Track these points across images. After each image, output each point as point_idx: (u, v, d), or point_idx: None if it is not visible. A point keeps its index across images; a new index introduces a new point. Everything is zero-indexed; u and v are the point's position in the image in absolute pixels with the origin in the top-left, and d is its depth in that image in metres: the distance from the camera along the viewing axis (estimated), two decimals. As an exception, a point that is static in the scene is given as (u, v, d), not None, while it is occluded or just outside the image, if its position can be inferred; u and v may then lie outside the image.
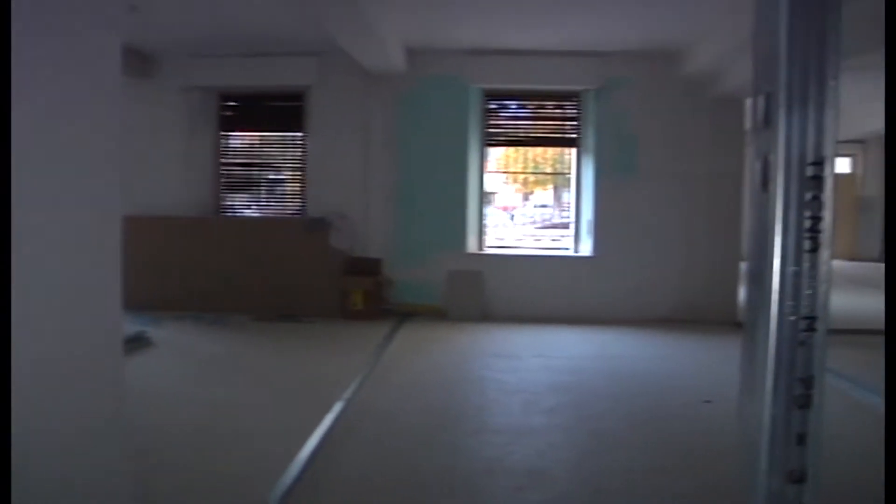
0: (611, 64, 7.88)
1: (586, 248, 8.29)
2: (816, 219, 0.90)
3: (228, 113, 8.55)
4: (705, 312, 7.94)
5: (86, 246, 2.45)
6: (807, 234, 0.90)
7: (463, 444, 4.08)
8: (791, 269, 0.90)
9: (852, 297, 10.57)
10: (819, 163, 0.90)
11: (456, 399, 5.00)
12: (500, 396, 5.04)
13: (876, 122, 11.73)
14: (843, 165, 16.70)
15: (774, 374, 0.93)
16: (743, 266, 8.69)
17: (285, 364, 5.95)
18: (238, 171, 8.64)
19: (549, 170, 12.62)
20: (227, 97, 8.51)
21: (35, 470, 1.99)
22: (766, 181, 0.91)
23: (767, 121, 0.91)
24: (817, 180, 0.90)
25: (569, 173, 8.91)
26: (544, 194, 18.28)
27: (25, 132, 2.01)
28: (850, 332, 7.76)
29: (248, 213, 8.66)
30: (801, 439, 0.93)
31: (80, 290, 2.40)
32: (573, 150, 8.55)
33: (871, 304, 10.00)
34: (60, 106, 2.28)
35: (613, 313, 7.93)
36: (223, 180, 8.64)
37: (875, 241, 16.58)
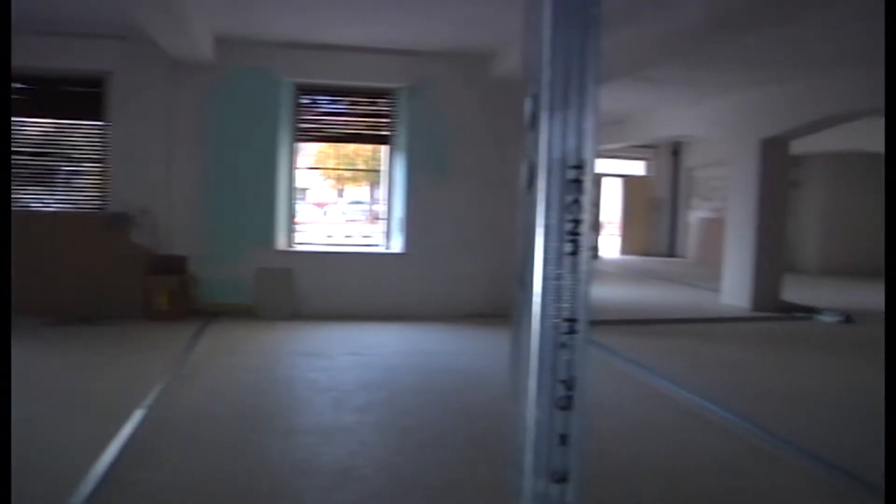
0: (424, 63, 7.96)
1: (398, 245, 8.33)
2: (577, 222, 0.91)
3: (17, 96, 7.77)
4: (513, 307, 8.21)
5: None
6: (567, 238, 0.92)
7: (272, 445, 3.96)
8: (553, 271, 0.90)
9: (646, 289, 11.39)
10: (579, 166, 0.91)
11: (265, 400, 4.86)
12: (310, 396, 4.96)
13: (666, 129, 12.71)
14: (637, 168, 17.99)
15: (538, 376, 0.93)
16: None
17: (82, 371, 5.48)
18: (28, 161, 7.87)
19: (363, 167, 12.63)
20: (15, 79, 7.73)
21: None
22: (530, 183, 0.92)
23: (533, 123, 0.92)
24: (578, 183, 0.91)
25: (375, 170, 8.93)
26: (359, 191, 18.29)
27: None
28: (642, 322, 8.33)
29: (40, 207, 7.91)
30: (564, 440, 0.94)
31: None
32: (386, 148, 8.55)
33: (663, 295, 10.84)
34: None
35: (426, 310, 8.03)
36: (11, 171, 7.84)
37: (663, 238, 18.04)
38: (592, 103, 0.92)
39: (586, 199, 0.90)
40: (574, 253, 0.90)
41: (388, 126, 8.40)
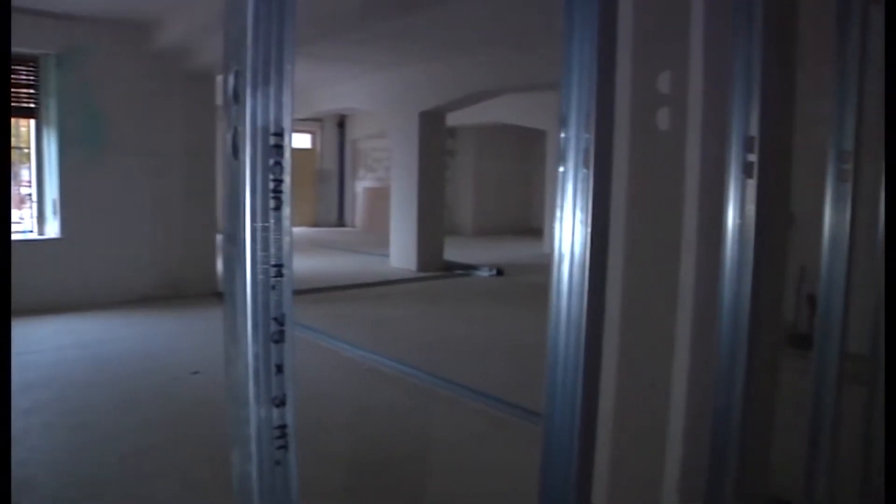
0: (76, 28, 7.30)
1: (53, 230, 7.65)
2: (279, 181, 1.06)
3: None
4: (186, 286, 8.03)
5: None
6: (272, 195, 1.06)
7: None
8: (260, 225, 1.05)
9: (318, 259, 11.70)
10: (280, 133, 1.07)
11: None
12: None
13: (330, 103, 13.08)
14: (303, 141, 18.24)
15: (253, 316, 1.08)
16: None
17: None
18: None
19: None
20: None
21: None
22: (236, 150, 1.05)
23: (237, 96, 1.04)
24: (279, 148, 1.06)
25: (26, 148, 8.08)
26: (-3, 171, 16.23)
27: None
28: (316, 291, 8.62)
29: None
30: (280, 369, 1.10)
31: None
32: (31, 122, 7.77)
33: (334, 264, 11.24)
34: None
35: (90, 297, 7.48)
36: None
37: (332, 208, 18.56)
38: (289, 79, 1.08)
39: (286, 162, 1.06)
40: (278, 208, 1.05)
41: (32, 98, 7.63)
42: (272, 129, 1.03)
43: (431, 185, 10.56)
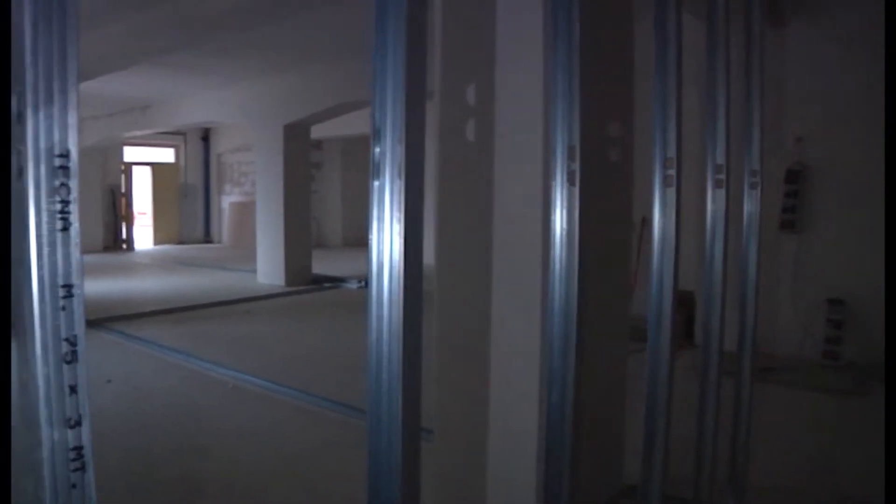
0: None
1: None
2: (66, 202, 1.06)
3: None
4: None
5: None
6: (59, 216, 1.06)
7: None
8: (47, 247, 1.04)
9: (183, 277, 11.35)
10: (65, 154, 1.06)
11: None
12: None
13: (192, 115, 12.72)
14: (166, 155, 17.64)
15: (42, 338, 1.07)
16: (87, 258, 8.57)
17: None
18: None
19: None
20: None
21: None
22: (20, 171, 1.04)
23: (19, 117, 1.04)
24: (65, 169, 1.06)
25: None
26: None
27: None
28: (180, 310, 8.37)
29: None
30: (73, 389, 1.09)
31: None
32: None
33: (199, 281, 10.92)
34: None
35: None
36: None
37: (197, 224, 17.97)
38: (73, 100, 1.07)
39: (73, 183, 1.06)
40: (65, 229, 1.05)
41: None
42: (57, 151, 1.03)
43: (297, 198, 10.46)
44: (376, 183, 1.62)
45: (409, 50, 1.57)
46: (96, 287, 9.58)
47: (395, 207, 1.61)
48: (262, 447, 4.06)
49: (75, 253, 1.08)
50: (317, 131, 11.23)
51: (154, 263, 13.76)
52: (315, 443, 4.15)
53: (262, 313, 8.50)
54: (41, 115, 1.03)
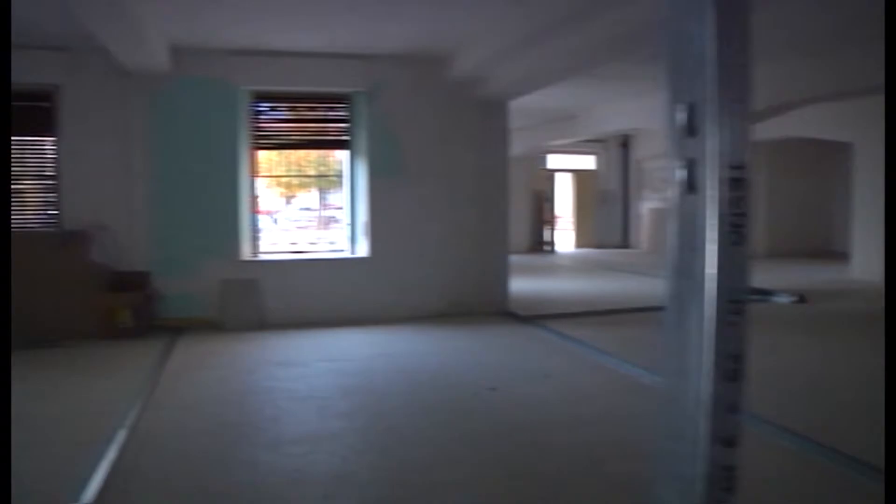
0: (379, 66, 8.01)
1: (362, 249, 8.36)
2: (740, 215, 1.03)
3: (-42, 114, 7.50)
4: (478, 305, 8.37)
5: None
6: (732, 230, 1.03)
7: (261, 457, 3.91)
8: (724, 260, 1.02)
9: (603, 280, 11.63)
10: (741, 167, 1.03)
11: (246, 412, 4.79)
12: (291, 405, 4.91)
13: (613, 123, 13.01)
14: (586, 162, 18.33)
15: (707, 353, 1.05)
16: (514, 258, 9.26)
17: (46, 396, 5.18)
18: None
19: (312, 172, 12.62)
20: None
21: None
22: (692, 184, 1.03)
23: (692, 129, 1.03)
24: (740, 182, 1.03)
25: (333, 175, 8.93)
26: (307, 197, 18.18)
27: None
28: (603, 313, 8.52)
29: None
30: (733, 408, 1.06)
31: None
32: (345, 153, 8.58)
33: (617, 286, 11.09)
34: None
35: (392, 312, 8.08)
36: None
37: (615, 230, 18.33)
38: (745, 112, 1.04)
39: (748, 196, 1.02)
40: (738, 243, 1.02)
41: (345, 130, 8.42)
42: (733, 163, 1.01)
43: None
44: None
45: None
46: (525, 285, 10.23)
47: None
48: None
49: (746, 268, 1.05)
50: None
51: (574, 266, 14.34)
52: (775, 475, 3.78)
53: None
54: (719, 128, 1.03)
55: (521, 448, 4.05)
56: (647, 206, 17.39)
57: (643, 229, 17.56)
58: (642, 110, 11.73)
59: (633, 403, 4.97)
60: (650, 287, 10.73)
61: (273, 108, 8.30)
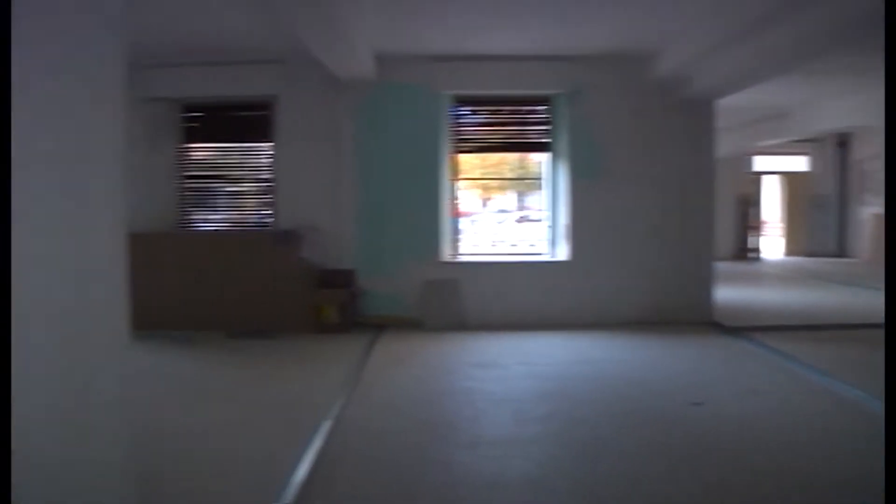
0: (579, 67, 7.86)
1: (562, 253, 8.24)
2: None
3: (193, 124, 8.30)
4: (680, 313, 7.97)
5: (87, 258, 2.29)
6: None
7: (459, 458, 3.94)
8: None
9: (815, 292, 10.74)
10: None
11: (445, 412, 4.86)
12: (488, 407, 4.91)
13: (830, 121, 11.96)
14: (797, 164, 16.99)
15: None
16: (718, 266, 8.74)
17: (263, 383, 5.70)
18: (201, 184, 8.38)
19: (510, 175, 12.65)
20: (190, 108, 8.26)
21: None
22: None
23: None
24: None
25: (531, 178, 8.87)
26: (504, 199, 18.33)
27: (23, 142, 1.86)
28: (817, 328, 7.82)
29: (210, 227, 8.40)
30: None
31: (84, 300, 2.24)
32: (545, 155, 8.51)
33: (833, 298, 10.17)
34: (60, 113, 2.12)
35: (591, 317, 7.89)
36: (186, 194, 8.37)
37: (829, 237, 16.78)
38: None
39: None
40: None
41: (545, 133, 8.35)
42: None
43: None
44: None
45: None
46: (730, 295, 9.61)
47: None
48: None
49: None
50: None
51: (783, 275, 13.32)
52: None
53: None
54: None
55: (731, 472, 3.75)
56: (868, 212, 15.61)
57: (864, 237, 15.83)
58: (866, 105, 10.65)
59: (853, 430, 4.45)
60: (870, 301, 9.71)
61: (473, 112, 8.39)
